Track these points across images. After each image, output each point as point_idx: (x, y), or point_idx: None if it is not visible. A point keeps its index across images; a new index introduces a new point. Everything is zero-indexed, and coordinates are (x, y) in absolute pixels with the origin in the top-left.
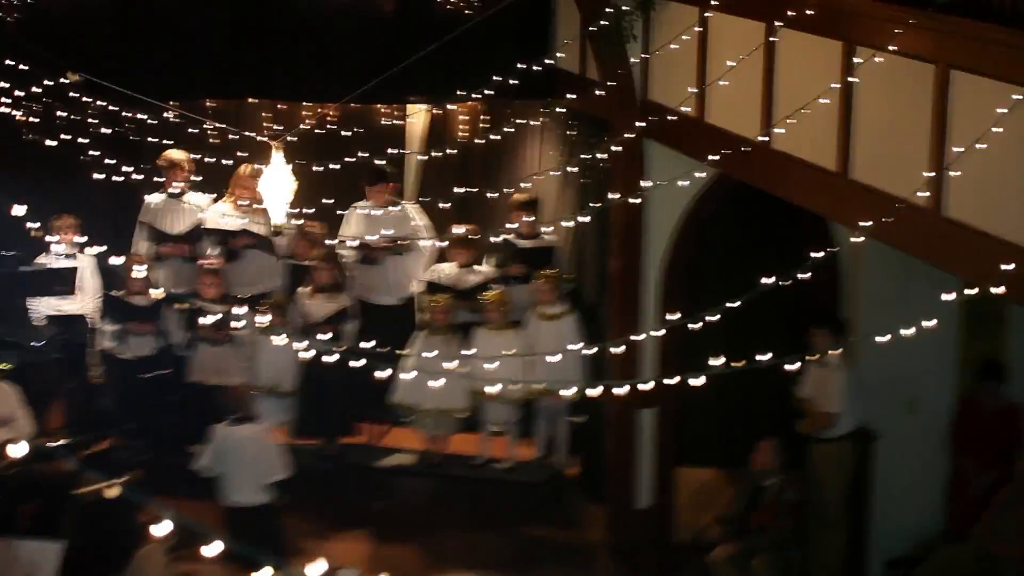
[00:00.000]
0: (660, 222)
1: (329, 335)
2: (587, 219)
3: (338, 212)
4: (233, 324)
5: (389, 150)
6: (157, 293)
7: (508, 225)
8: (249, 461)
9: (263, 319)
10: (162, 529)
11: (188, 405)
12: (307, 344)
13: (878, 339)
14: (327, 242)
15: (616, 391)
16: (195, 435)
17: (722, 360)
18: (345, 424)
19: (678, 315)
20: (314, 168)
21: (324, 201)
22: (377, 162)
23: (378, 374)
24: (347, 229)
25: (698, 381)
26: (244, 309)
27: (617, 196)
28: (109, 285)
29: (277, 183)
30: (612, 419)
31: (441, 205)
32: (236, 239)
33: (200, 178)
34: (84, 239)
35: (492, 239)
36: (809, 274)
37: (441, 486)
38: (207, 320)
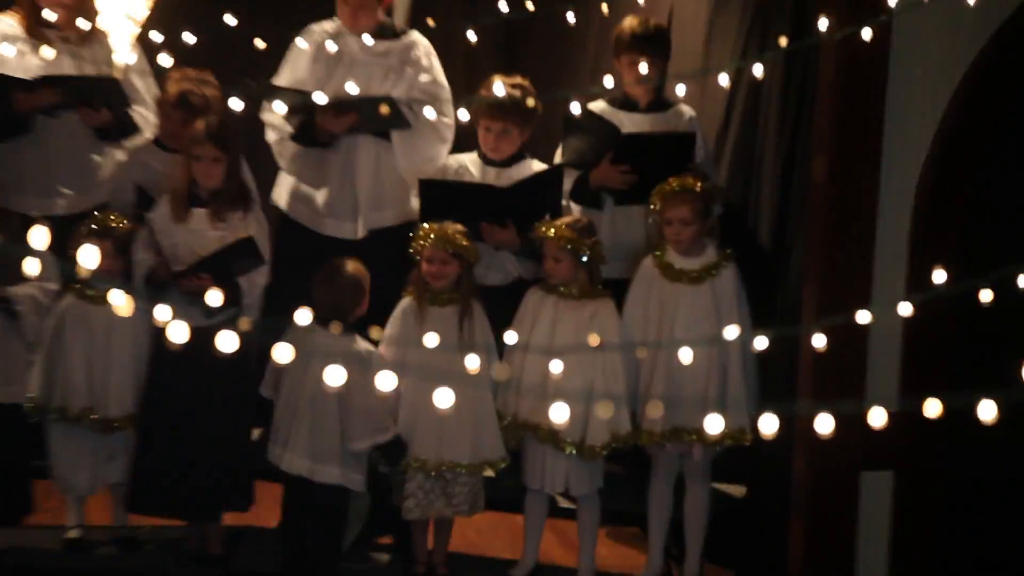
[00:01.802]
0: (918, 84)
1: (218, 296)
2: (761, 71)
3: (256, 43)
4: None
5: None
6: None
7: (605, 80)
8: (319, 403)
9: (84, 260)
10: None
11: None
12: (169, 314)
13: None
14: (232, 105)
15: (819, 428)
16: None
17: None
18: (242, 487)
19: (947, 276)
20: None
21: (225, 20)
22: None
23: (329, 378)
24: (285, 77)
25: (988, 412)
26: (39, 239)
27: (831, 25)
28: None
29: None
30: (801, 491)
31: (468, 34)
32: (31, 94)
33: None
34: None
35: (569, 108)
36: None
37: None
38: None
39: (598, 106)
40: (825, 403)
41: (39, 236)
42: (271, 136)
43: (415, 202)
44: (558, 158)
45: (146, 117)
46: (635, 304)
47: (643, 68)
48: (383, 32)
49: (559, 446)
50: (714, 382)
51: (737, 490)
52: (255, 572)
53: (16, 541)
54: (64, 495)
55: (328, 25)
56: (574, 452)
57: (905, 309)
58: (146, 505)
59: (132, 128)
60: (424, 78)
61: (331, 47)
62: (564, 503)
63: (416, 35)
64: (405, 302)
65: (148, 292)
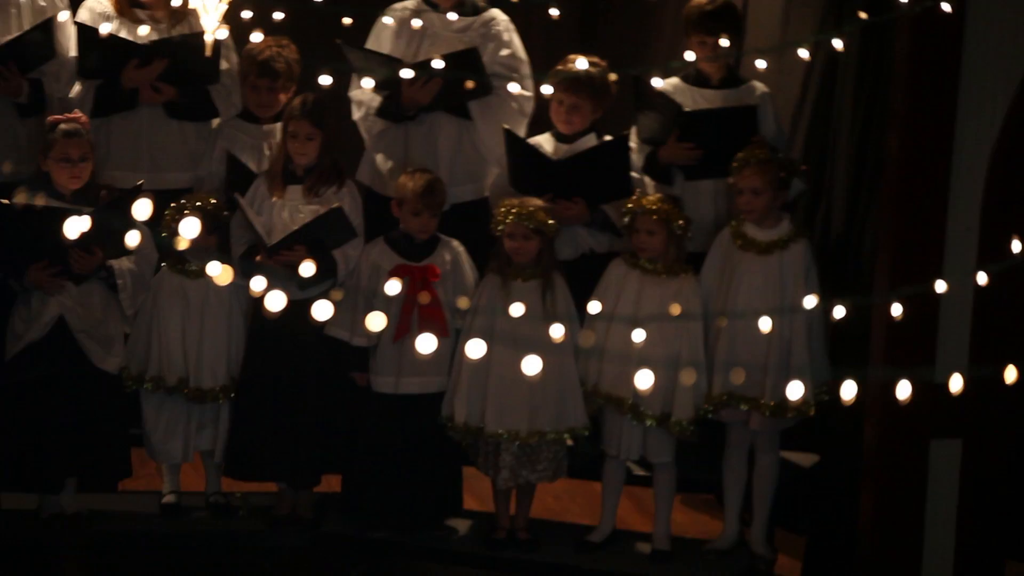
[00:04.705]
0: (992, 59)
1: (311, 267)
2: (841, 45)
3: (343, 20)
4: (108, 243)
5: None
6: None
7: (686, 55)
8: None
9: (184, 231)
10: None
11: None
12: (264, 284)
13: None
14: (322, 82)
15: (898, 394)
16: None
17: None
18: (326, 455)
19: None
20: None
21: None
22: None
23: (421, 346)
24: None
25: None
26: (143, 210)
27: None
28: None
29: None
30: (872, 458)
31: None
32: (137, 69)
33: None
34: None
35: (637, 85)
36: None
37: None
38: (66, 231)
39: (672, 83)
40: (902, 370)
41: (143, 208)
42: (357, 114)
43: (491, 178)
44: (633, 137)
45: (230, 92)
46: (709, 272)
47: (715, 40)
48: (463, 9)
49: (640, 419)
50: (775, 352)
51: (809, 458)
52: (344, 535)
53: (114, 505)
54: (159, 462)
55: (410, 2)
56: (655, 424)
57: (982, 278)
58: (245, 471)
59: (42, 98)
60: (504, 52)
61: (415, 23)
62: (640, 471)
63: (496, 11)
64: (489, 278)
65: (245, 267)
